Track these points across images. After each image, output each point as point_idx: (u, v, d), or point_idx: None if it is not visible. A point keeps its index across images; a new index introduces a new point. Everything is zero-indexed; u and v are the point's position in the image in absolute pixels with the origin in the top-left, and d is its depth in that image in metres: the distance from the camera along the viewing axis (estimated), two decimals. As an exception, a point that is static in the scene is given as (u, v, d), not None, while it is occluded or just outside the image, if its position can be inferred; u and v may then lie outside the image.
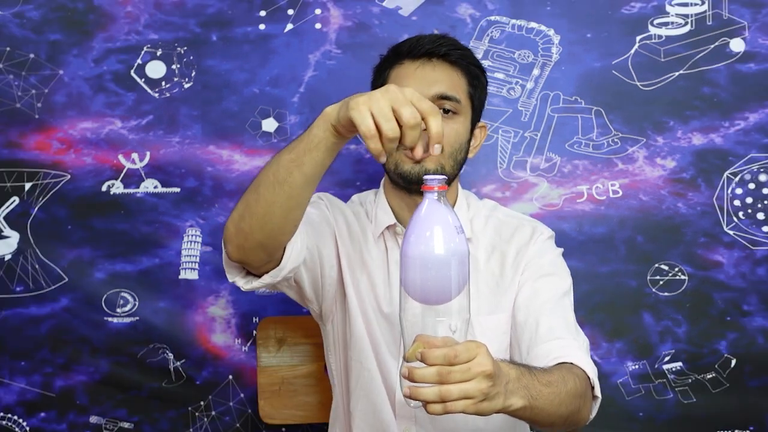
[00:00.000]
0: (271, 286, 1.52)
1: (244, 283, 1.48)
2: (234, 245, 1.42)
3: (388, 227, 1.66)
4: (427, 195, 1.20)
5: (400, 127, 1.21)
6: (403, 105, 1.20)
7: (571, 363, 1.44)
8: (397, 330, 1.59)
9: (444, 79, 1.63)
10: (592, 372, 1.45)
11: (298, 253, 1.48)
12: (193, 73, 2.01)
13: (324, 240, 1.61)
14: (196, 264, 2.01)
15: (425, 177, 1.20)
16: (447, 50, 1.63)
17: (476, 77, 1.66)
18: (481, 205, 1.74)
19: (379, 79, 1.68)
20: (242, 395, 2.02)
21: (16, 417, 2.02)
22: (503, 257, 1.66)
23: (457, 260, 1.18)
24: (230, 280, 1.49)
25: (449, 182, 1.64)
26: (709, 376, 2.01)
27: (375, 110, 1.20)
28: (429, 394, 1.14)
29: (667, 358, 2.01)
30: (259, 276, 1.48)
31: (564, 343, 1.50)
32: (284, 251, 1.44)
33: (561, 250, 1.70)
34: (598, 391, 1.46)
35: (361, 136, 1.21)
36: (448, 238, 1.18)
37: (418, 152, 1.26)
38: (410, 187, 1.62)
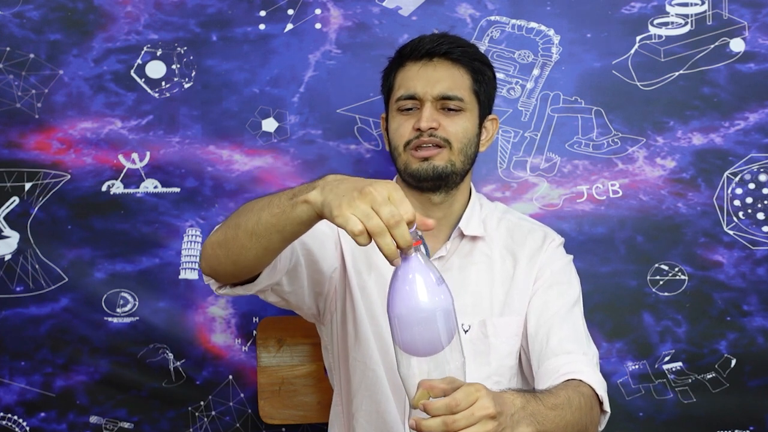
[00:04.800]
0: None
1: (217, 288, 1.47)
2: (207, 264, 1.43)
3: None
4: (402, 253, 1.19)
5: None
6: (383, 205, 1.16)
7: (579, 380, 1.45)
8: None
9: (446, 78, 1.63)
10: (601, 387, 1.47)
11: (276, 273, 1.48)
12: (193, 73, 2.01)
13: (322, 245, 1.60)
14: (196, 264, 2.01)
15: None
16: (448, 49, 1.64)
17: (480, 72, 1.66)
18: (493, 206, 1.75)
19: (387, 82, 1.70)
20: (242, 395, 2.02)
21: (16, 417, 2.02)
22: (516, 260, 1.67)
23: (442, 312, 1.19)
24: (205, 282, 1.49)
25: (461, 177, 1.66)
26: (709, 376, 2.01)
27: (357, 213, 1.16)
28: None
29: (667, 358, 2.01)
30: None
31: (573, 358, 1.52)
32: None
33: (571, 257, 1.71)
34: (607, 406, 1.47)
35: (350, 234, 1.16)
36: (430, 293, 1.19)
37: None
38: (421, 185, 1.63)
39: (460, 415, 1.16)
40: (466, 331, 1.62)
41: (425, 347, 1.20)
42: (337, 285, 1.65)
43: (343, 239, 1.65)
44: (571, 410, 1.36)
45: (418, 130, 1.61)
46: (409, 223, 1.16)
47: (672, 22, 1.99)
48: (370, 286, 1.64)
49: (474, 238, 1.68)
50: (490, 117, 1.72)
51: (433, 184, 1.63)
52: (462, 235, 1.68)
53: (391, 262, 1.17)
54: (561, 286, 1.64)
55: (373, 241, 1.15)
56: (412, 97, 1.63)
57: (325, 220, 1.60)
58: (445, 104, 1.62)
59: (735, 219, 2.00)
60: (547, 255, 1.67)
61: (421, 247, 1.20)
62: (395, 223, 1.14)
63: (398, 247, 1.16)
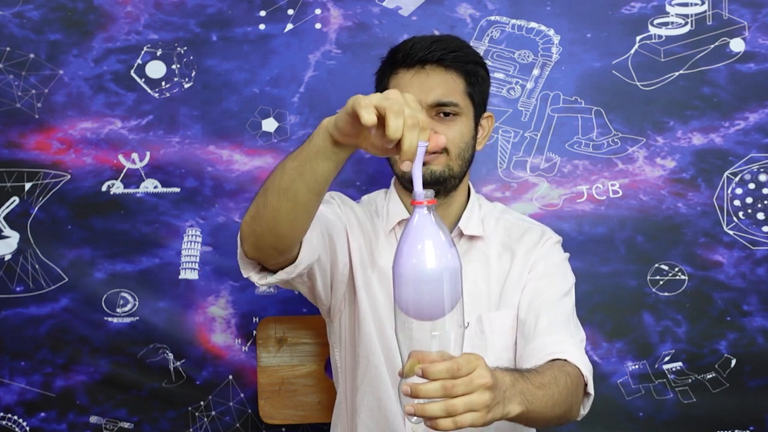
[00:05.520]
0: (284, 283, 1.52)
1: (259, 279, 1.47)
2: (249, 244, 1.42)
3: (399, 222, 1.67)
4: (416, 209, 1.17)
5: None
6: (404, 105, 1.17)
7: (565, 359, 1.46)
8: None
9: (439, 85, 1.63)
10: (586, 369, 1.48)
11: (314, 250, 1.49)
12: (193, 73, 2.01)
13: (337, 237, 1.61)
14: (196, 264, 2.01)
15: (414, 191, 1.18)
16: (440, 55, 1.64)
17: (473, 74, 1.67)
18: (492, 206, 1.76)
19: (380, 87, 1.70)
20: (242, 395, 2.02)
21: (16, 417, 2.02)
22: (513, 256, 1.68)
23: (450, 274, 1.16)
24: (245, 276, 1.48)
25: (459, 180, 1.66)
26: (709, 376, 2.01)
27: (374, 98, 1.17)
28: (436, 410, 1.14)
29: (667, 358, 2.01)
30: (274, 272, 1.47)
31: (559, 338, 1.53)
32: (299, 249, 1.44)
33: (567, 255, 1.72)
34: (591, 388, 1.48)
35: (358, 108, 1.16)
36: (439, 252, 1.16)
37: (404, 162, 1.18)
38: None
39: (460, 381, 1.14)
40: (465, 328, 1.62)
41: (428, 310, 1.16)
42: (346, 281, 1.66)
43: (351, 234, 1.65)
44: (558, 389, 1.36)
45: None
46: (423, 130, 1.16)
47: (672, 22, 1.99)
48: (373, 282, 1.65)
49: (472, 237, 1.69)
50: (486, 115, 1.72)
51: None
52: (461, 235, 1.68)
53: (386, 143, 1.15)
54: (554, 277, 1.65)
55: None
56: None
57: (336, 217, 1.61)
58: (440, 110, 1.63)
59: (735, 219, 2.00)
60: (544, 250, 1.68)
61: (434, 206, 1.18)
62: (412, 124, 1.15)
63: (402, 152, 1.14)
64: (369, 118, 1.15)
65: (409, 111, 1.15)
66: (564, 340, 1.52)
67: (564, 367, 1.44)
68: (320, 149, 1.26)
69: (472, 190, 1.74)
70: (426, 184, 1.60)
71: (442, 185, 1.63)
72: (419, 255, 1.16)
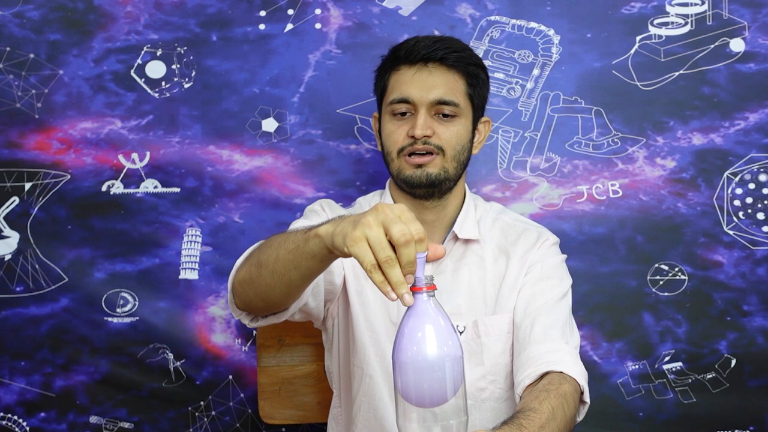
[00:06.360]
0: None
1: (249, 321, 1.49)
2: (240, 300, 1.45)
3: None
4: (416, 296, 1.15)
5: (394, 250, 1.15)
6: (394, 223, 1.14)
7: (560, 371, 1.45)
8: None
9: (441, 83, 1.63)
10: (582, 378, 1.47)
11: (303, 297, 1.49)
12: (193, 73, 2.01)
13: None
14: (196, 264, 2.01)
15: (416, 276, 1.15)
16: (443, 54, 1.63)
17: (474, 76, 1.66)
18: (488, 207, 1.75)
19: (380, 83, 1.70)
20: (242, 395, 2.02)
21: (16, 417, 2.02)
22: (508, 259, 1.67)
23: (451, 362, 1.15)
24: (235, 318, 1.51)
25: (455, 182, 1.65)
26: (709, 376, 2.01)
27: (371, 239, 1.14)
28: None
29: (667, 358, 2.01)
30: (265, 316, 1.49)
31: (555, 347, 1.52)
32: None
33: (565, 256, 1.71)
34: (587, 397, 1.47)
35: (365, 270, 1.15)
36: (440, 340, 1.14)
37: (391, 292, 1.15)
38: (414, 191, 1.63)
39: None
40: (461, 332, 1.62)
41: (429, 398, 1.16)
42: (340, 291, 1.66)
43: None
44: (556, 423, 1.35)
45: (412, 137, 1.61)
46: (419, 242, 1.14)
47: (672, 22, 1.99)
48: (367, 291, 1.65)
49: (468, 240, 1.68)
50: (483, 119, 1.72)
51: (426, 191, 1.63)
52: (456, 239, 1.68)
53: (387, 296, 1.13)
54: (551, 281, 1.64)
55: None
56: (406, 101, 1.63)
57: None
58: (440, 110, 1.62)
59: (735, 219, 2.00)
60: (540, 252, 1.67)
61: (435, 293, 1.16)
62: (405, 242, 1.13)
63: (401, 267, 1.13)
64: (380, 278, 1.14)
65: (398, 229, 1.13)
66: (559, 349, 1.51)
67: (560, 387, 1.42)
68: (316, 254, 1.26)
69: (468, 192, 1.73)
70: (421, 186, 1.61)
71: (437, 187, 1.63)
72: (420, 343, 1.15)
